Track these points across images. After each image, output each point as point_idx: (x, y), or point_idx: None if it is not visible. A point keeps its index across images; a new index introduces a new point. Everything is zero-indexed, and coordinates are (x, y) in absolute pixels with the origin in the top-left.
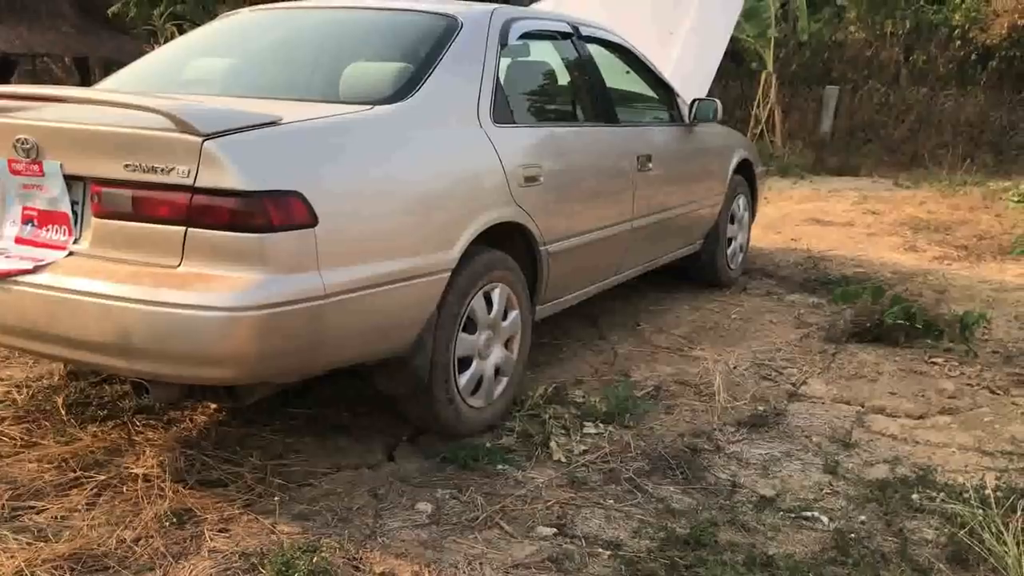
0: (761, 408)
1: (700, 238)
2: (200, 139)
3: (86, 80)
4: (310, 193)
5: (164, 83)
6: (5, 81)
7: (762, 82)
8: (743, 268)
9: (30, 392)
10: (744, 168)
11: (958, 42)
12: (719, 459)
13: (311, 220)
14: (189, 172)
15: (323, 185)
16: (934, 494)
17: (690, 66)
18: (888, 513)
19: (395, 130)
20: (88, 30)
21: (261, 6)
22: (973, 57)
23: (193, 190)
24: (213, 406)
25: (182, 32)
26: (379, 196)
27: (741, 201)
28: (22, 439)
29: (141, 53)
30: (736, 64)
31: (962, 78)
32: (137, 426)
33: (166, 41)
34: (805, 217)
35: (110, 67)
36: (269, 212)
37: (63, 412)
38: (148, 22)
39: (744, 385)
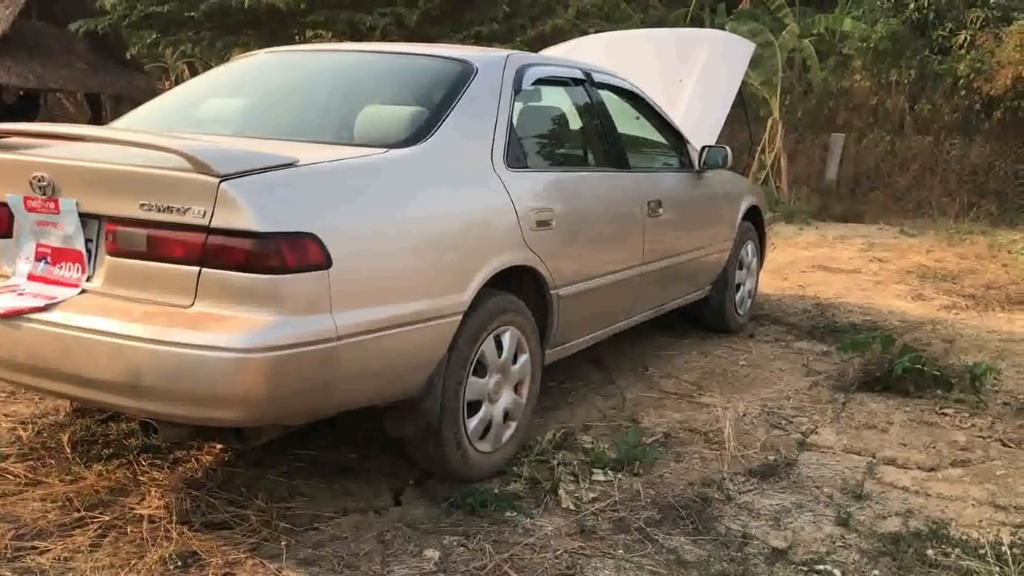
0: (771, 457)
1: (709, 284)
2: (217, 180)
3: (97, 116)
4: (325, 235)
5: (179, 122)
6: (31, 117)
7: (768, 128)
8: (751, 314)
9: (35, 429)
10: (753, 214)
11: (963, 92)
12: (730, 509)
13: (325, 262)
14: (205, 212)
15: (338, 227)
16: (949, 549)
17: (699, 113)
18: (902, 568)
19: (410, 173)
20: (101, 67)
21: (277, 48)
22: (977, 107)
23: (208, 230)
24: (219, 447)
25: (193, 70)
26: (393, 238)
27: (750, 247)
28: (26, 477)
29: (152, 90)
30: (742, 110)
31: (966, 128)
32: (142, 465)
33: (177, 79)
34: (812, 264)
35: (121, 103)
36: (284, 254)
37: (68, 450)
38: (159, 59)
39: (754, 433)
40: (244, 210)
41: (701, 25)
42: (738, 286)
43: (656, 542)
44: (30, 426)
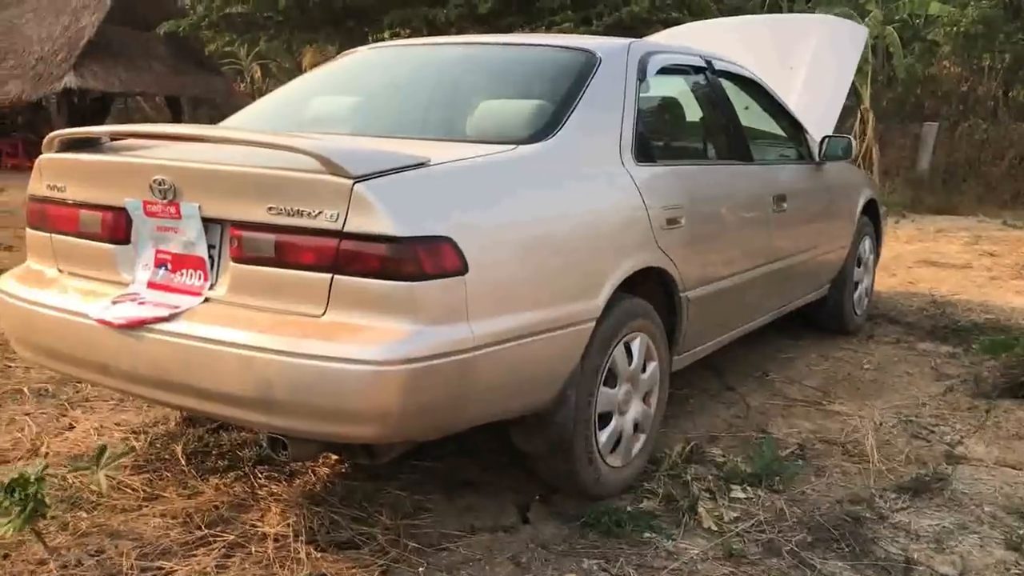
0: (920, 471)
1: (828, 282)
2: (351, 181)
3: (177, 118)
4: (461, 239)
5: (290, 122)
6: (100, 120)
7: (858, 118)
8: (867, 314)
9: (148, 439)
10: (870, 208)
11: None
12: (885, 530)
13: (462, 267)
14: (338, 216)
15: (473, 230)
16: None
17: (813, 101)
18: None
19: (541, 171)
20: (180, 70)
21: (380, 43)
22: None
23: (341, 235)
24: (334, 457)
25: (266, 71)
26: (527, 241)
27: (867, 243)
28: (144, 491)
29: (229, 91)
30: (853, 99)
31: None
32: (260, 479)
33: (252, 80)
34: (917, 259)
35: (199, 105)
36: (421, 259)
37: (183, 461)
38: (231, 57)
39: (895, 444)
40: (380, 213)
41: (779, 13)
42: (856, 284)
43: (813, 567)
44: (142, 436)
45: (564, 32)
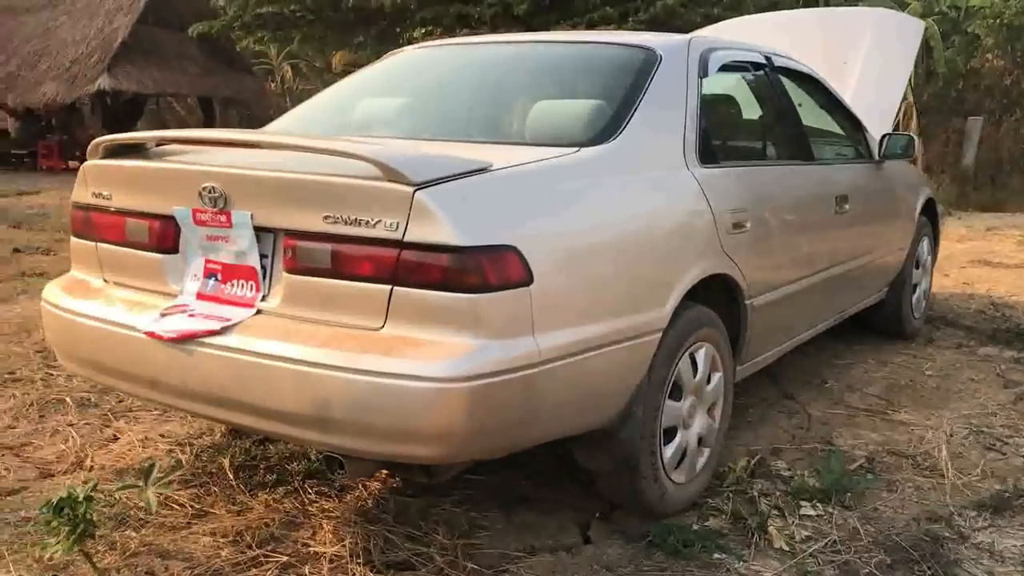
0: (999, 487)
1: (886, 285)
2: (411, 189)
3: (209, 118)
4: (526, 248)
5: (335, 126)
6: (133, 121)
7: (901, 113)
8: (924, 317)
9: (194, 451)
10: (928, 208)
11: None
12: (967, 550)
13: (527, 278)
14: (397, 225)
15: (538, 238)
16: None
17: (869, 98)
18: None
19: (606, 174)
20: (212, 70)
21: (428, 43)
22: None
23: (401, 245)
24: (385, 471)
25: (296, 71)
26: (593, 249)
27: (925, 244)
28: (192, 507)
29: (261, 92)
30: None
31: None
32: (310, 494)
33: (282, 80)
34: (970, 258)
35: (231, 105)
36: (485, 270)
37: (231, 476)
38: (262, 57)
39: (968, 457)
40: (442, 222)
41: (816, 7)
42: (914, 287)
43: None
44: (188, 448)
45: (607, 29)
